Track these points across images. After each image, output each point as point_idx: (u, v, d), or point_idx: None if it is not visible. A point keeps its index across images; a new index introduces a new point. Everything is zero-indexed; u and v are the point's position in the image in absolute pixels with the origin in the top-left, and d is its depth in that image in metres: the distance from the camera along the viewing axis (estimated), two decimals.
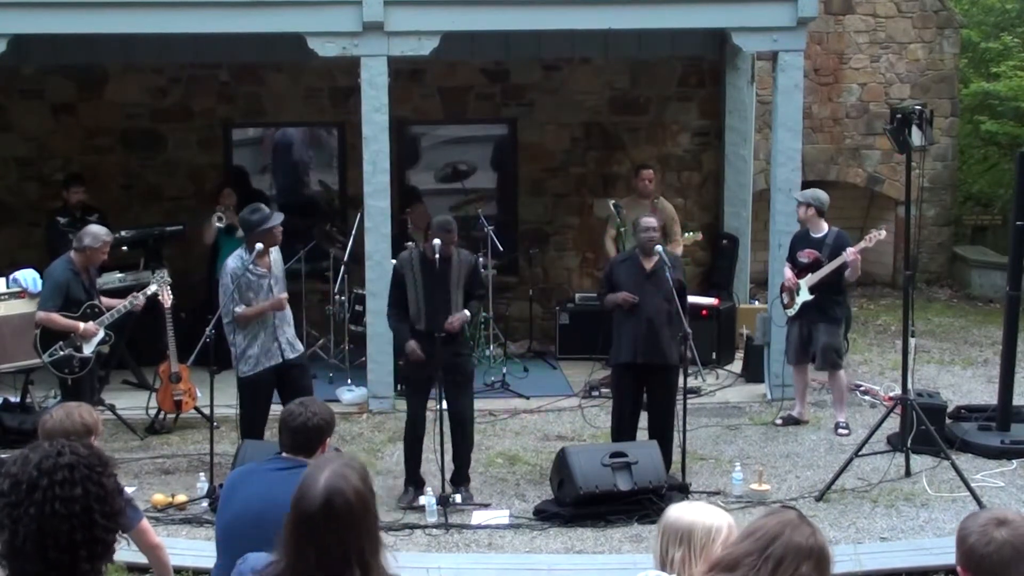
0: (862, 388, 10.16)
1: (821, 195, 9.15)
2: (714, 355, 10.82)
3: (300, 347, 7.93)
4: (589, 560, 6.74)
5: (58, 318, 7.90)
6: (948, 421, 8.81)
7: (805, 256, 9.00)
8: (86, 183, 10.53)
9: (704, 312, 10.71)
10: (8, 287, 8.74)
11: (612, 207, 10.64)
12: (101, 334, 8.12)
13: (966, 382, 10.54)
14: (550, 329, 11.73)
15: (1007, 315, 8.85)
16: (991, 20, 16.90)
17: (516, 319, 12.04)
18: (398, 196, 10.98)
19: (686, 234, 10.86)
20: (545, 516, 7.30)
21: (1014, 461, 8.26)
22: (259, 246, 7.46)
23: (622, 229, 10.34)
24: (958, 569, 2.80)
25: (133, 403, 9.39)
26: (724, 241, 12.05)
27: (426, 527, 7.13)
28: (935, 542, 6.82)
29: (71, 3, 9.18)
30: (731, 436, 9.02)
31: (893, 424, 8.43)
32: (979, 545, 2.71)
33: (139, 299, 8.32)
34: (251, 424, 7.64)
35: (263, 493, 4.07)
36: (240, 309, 7.48)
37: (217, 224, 10.43)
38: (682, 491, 7.35)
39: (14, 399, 8.94)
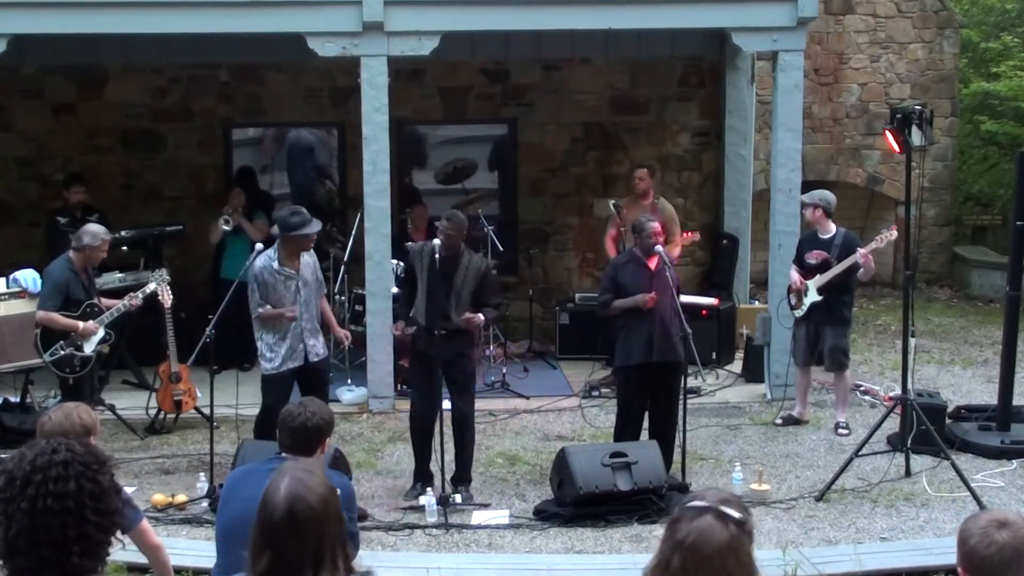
0: (862, 388, 10.16)
1: (828, 196, 9.17)
2: (714, 355, 10.82)
3: (325, 352, 7.91)
4: (589, 560, 6.73)
5: (58, 317, 7.90)
6: (948, 421, 8.81)
7: (814, 258, 9.00)
8: (86, 183, 10.53)
9: (704, 312, 10.71)
10: (8, 287, 8.73)
11: (612, 207, 10.64)
12: (101, 333, 8.12)
13: (966, 382, 10.55)
14: (550, 329, 11.73)
15: (1007, 315, 8.85)
16: (991, 20, 16.91)
17: (516, 319, 12.03)
18: (398, 196, 10.99)
19: (684, 233, 10.85)
20: (545, 516, 7.30)
21: (1014, 461, 8.26)
22: (259, 246, 7.51)
23: (622, 229, 10.34)
24: (959, 570, 2.80)
25: (133, 403, 9.39)
26: (724, 241, 12.05)
27: (426, 527, 7.13)
28: (935, 542, 6.81)
29: (71, 3, 9.19)
30: (731, 436, 9.02)
31: (893, 424, 8.43)
32: (980, 547, 2.71)
33: (137, 298, 8.32)
34: (267, 419, 7.60)
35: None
36: (262, 310, 7.48)
37: (224, 227, 10.43)
38: (682, 491, 7.34)
39: (14, 399, 8.94)
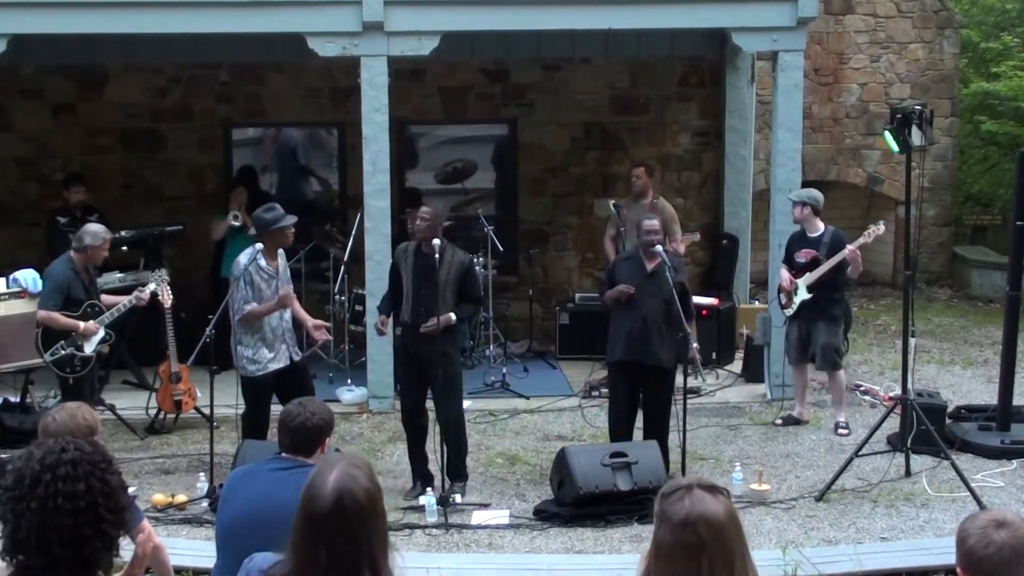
0: (862, 388, 10.16)
1: (816, 194, 9.17)
2: (714, 355, 10.82)
3: (300, 350, 7.94)
4: (589, 560, 6.73)
5: (59, 317, 7.91)
6: (948, 421, 8.81)
7: (803, 256, 9.01)
8: (86, 183, 10.53)
9: (704, 312, 10.71)
10: (8, 287, 8.73)
11: (612, 207, 10.64)
12: (102, 333, 8.12)
13: (966, 382, 10.55)
14: (550, 329, 11.73)
15: (1007, 315, 8.85)
16: (991, 20, 16.90)
17: (516, 319, 12.04)
18: (398, 196, 10.99)
19: (685, 235, 10.86)
20: (545, 516, 7.30)
21: (1014, 461, 8.26)
22: (259, 245, 7.50)
23: (622, 229, 10.34)
24: (958, 570, 2.80)
25: (133, 403, 9.39)
26: (724, 241, 12.05)
27: (426, 527, 7.13)
28: (935, 542, 6.81)
29: (71, 3, 9.19)
30: (731, 436, 9.02)
31: (893, 424, 8.43)
32: (979, 547, 2.71)
33: (144, 293, 8.33)
34: (254, 424, 7.63)
35: (263, 493, 4.08)
36: (249, 307, 7.47)
37: (233, 223, 10.45)
38: None
39: (14, 399, 8.95)
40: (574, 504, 7.20)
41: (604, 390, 9.77)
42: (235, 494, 4.21)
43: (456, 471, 7.72)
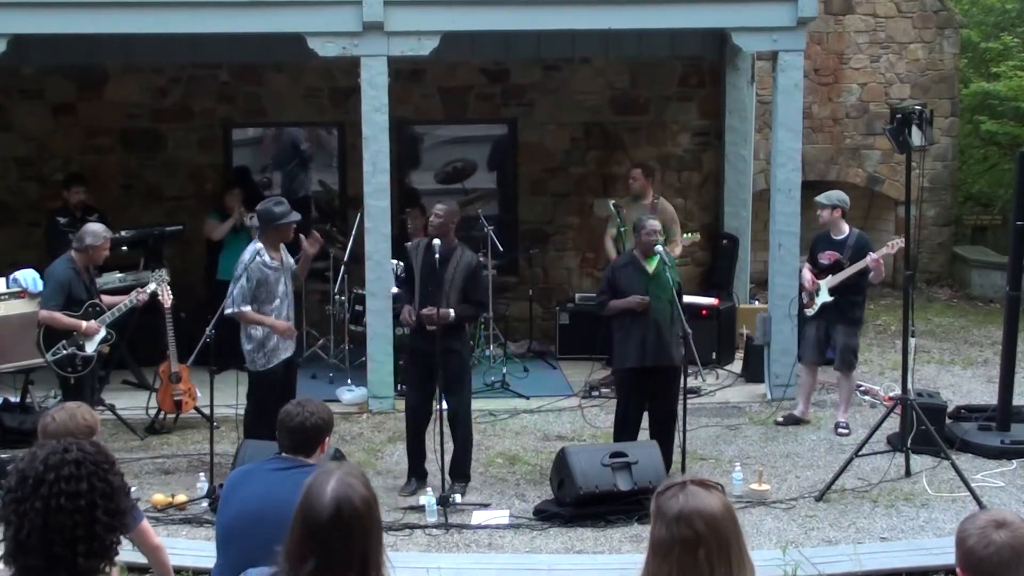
0: (862, 388, 10.16)
1: (845, 197, 9.27)
2: (714, 355, 10.82)
3: None
4: (589, 560, 6.73)
5: (61, 317, 7.91)
6: (948, 421, 8.81)
7: (826, 258, 9.01)
8: (86, 183, 10.53)
9: (704, 312, 10.72)
10: (8, 287, 8.74)
11: (612, 207, 10.63)
12: (103, 333, 8.13)
13: (966, 382, 10.55)
14: (550, 329, 11.73)
15: (1007, 315, 8.85)
16: (991, 20, 16.90)
17: (516, 319, 12.04)
18: (398, 196, 10.99)
19: (685, 235, 10.86)
20: (545, 516, 7.30)
21: (1014, 461, 8.26)
22: (258, 244, 7.51)
23: (622, 229, 10.34)
24: (957, 570, 2.80)
25: (133, 403, 9.39)
26: (724, 241, 12.05)
27: (426, 527, 7.13)
28: (935, 542, 6.81)
29: (71, 3, 9.19)
30: (731, 436, 9.02)
31: (893, 424, 8.43)
32: (978, 547, 2.71)
33: (144, 293, 8.34)
34: (260, 419, 7.60)
35: (263, 493, 4.08)
36: (247, 309, 7.45)
37: (249, 223, 10.44)
38: None
39: (14, 399, 8.95)
40: (574, 504, 7.20)
41: (604, 390, 9.78)
42: (235, 494, 4.21)
43: (462, 469, 7.74)
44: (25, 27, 9.18)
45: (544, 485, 7.73)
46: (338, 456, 6.88)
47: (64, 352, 7.94)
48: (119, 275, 9.86)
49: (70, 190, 10.32)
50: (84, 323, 7.98)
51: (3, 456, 7.35)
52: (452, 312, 7.52)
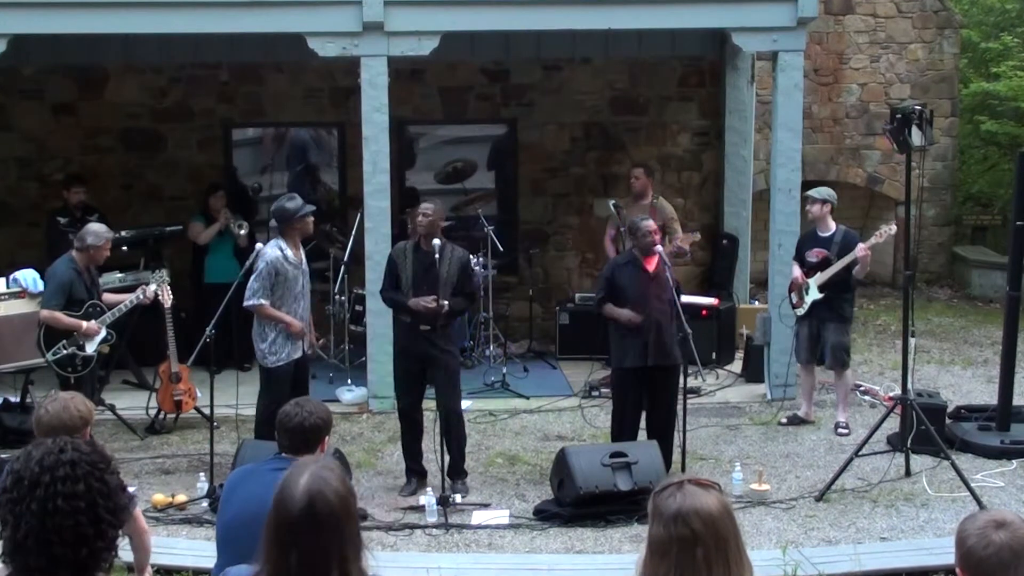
0: (862, 388, 10.16)
1: (833, 192, 9.22)
2: (714, 355, 10.82)
3: None
4: (589, 560, 6.73)
5: (62, 316, 7.91)
6: (948, 421, 8.81)
7: (814, 255, 9.01)
8: (86, 183, 10.53)
9: (704, 312, 10.72)
10: (8, 287, 8.73)
11: (612, 207, 10.64)
12: (103, 333, 8.13)
13: (966, 382, 10.55)
14: (550, 329, 11.73)
15: (1007, 315, 8.85)
16: (991, 20, 16.91)
17: (516, 319, 12.04)
18: (398, 196, 10.99)
19: (684, 234, 10.84)
20: (545, 516, 7.30)
21: (1014, 461, 8.26)
22: (259, 245, 7.51)
23: (622, 229, 10.34)
24: (957, 570, 2.80)
25: (133, 403, 9.39)
26: (724, 241, 12.05)
27: (426, 527, 7.13)
28: (935, 542, 6.81)
29: (71, 3, 9.18)
30: (731, 436, 9.02)
31: (893, 424, 8.43)
32: (978, 547, 2.71)
33: (147, 291, 8.34)
34: (273, 416, 7.59)
35: (263, 493, 4.03)
36: (266, 302, 7.45)
37: (240, 231, 10.44)
38: None
39: (14, 399, 8.94)
40: (574, 504, 7.20)
41: (604, 390, 9.77)
42: (235, 494, 4.21)
43: (458, 467, 7.76)
44: (25, 27, 9.18)
45: (544, 485, 7.73)
46: (338, 456, 6.89)
47: (64, 352, 7.95)
48: (119, 275, 9.86)
49: (70, 190, 10.32)
50: (84, 323, 7.98)
51: (3, 456, 7.35)
52: (446, 303, 7.55)
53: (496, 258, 11.07)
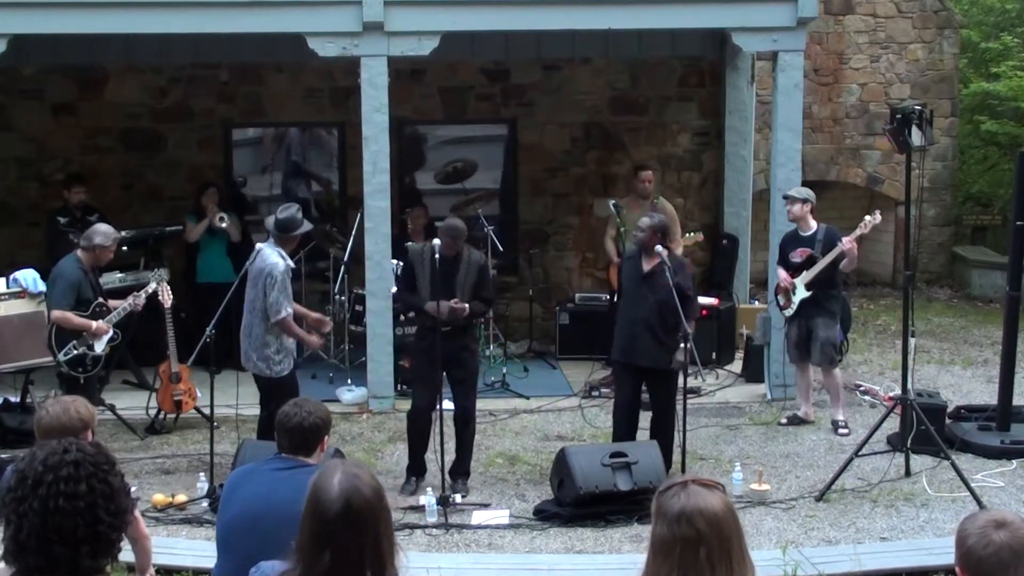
0: (862, 388, 10.16)
1: (812, 192, 9.23)
2: (714, 355, 10.82)
3: None
4: (589, 560, 6.74)
5: (73, 317, 7.93)
6: (948, 421, 8.81)
7: (798, 255, 9.02)
8: (86, 183, 10.53)
9: (704, 312, 10.70)
10: (8, 287, 8.73)
11: (612, 207, 10.64)
12: (111, 332, 8.16)
13: (966, 382, 10.55)
14: (550, 329, 11.73)
15: (1007, 315, 8.85)
16: (991, 20, 16.90)
17: (516, 319, 12.04)
18: (398, 196, 10.99)
19: (687, 235, 10.86)
20: (545, 516, 7.30)
21: (1014, 461, 8.26)
22: (259, 246, 7.51)
23: (622, 229, 10.34)
24: (956, 570, 2.81)
25: (133, 403, 9.39)
26: (724, 241, 12.05)
27: (426, 527, 7.13)
28: (935, 542, 6.81)
29: (71, 3, 9.18)
30: (731, 436, 9.02)
31: (893, 424, 8.43)
32: (978, 547, 2.72)
33: (140, 298, 8.35)
34: None
35: (263, 493, 4.08)
36: (287, 311, 7.46)
37: (220, 224, 10.43)
38: None
39: (14, 399, 8.94)
40: (574, 504, 7.20)
41: (604, 390, 9.78)
42: (236, 494, 4.21)
43: (466, 467, 7.79)
44: (25, 27, 9.18)
45: (544, 485, 7.73)
46: (338, 456, 6.89)
47: (75, 352, 7.97)
48: (119, 275, 9.87)
49: (71, 190, 10.32)
50: (94, 323, 8.01)
51: (3, 456, 7.35)
52: (467, 307, 7.60)
53: (496, 258, 11.07)
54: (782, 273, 9.10)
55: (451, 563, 6.60)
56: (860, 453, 7.87)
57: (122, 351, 9.67)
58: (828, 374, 9.07)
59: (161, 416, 9.11)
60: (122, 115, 11.80)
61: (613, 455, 7.33)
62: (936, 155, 14.09)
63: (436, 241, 7.57)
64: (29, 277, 8.75)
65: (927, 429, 7.81)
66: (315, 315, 8.08)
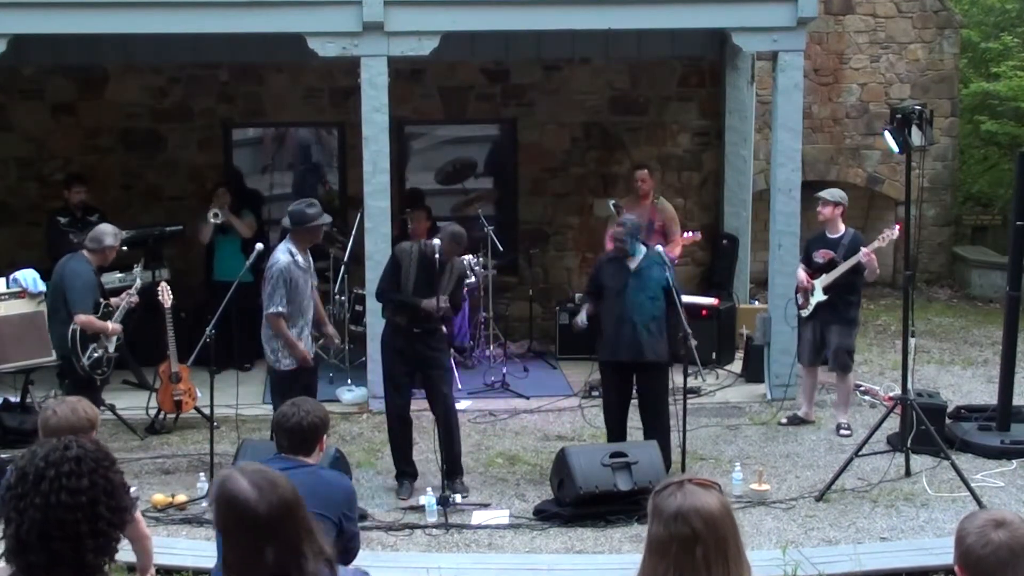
0: (862, 388, 10.16)
1: (845, 195, 9.25)
2: (714, 355, 10.81)
3: None
4: (589, 560, 6.74)
5: (95, 320, 7.97)
6: (948, 421, 8.81)
7: (820, 257, 9.01)
8: (86, 183, 10.53)
9: (704, 312, 10.71)
10: (8, 287, 8.73)
11: (612, 207, 10.64)
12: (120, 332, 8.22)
13: (966, 382, 10.55)
14: (550, 329, 11.73)
15: (1007, 315, 8.85)
16: (991, 20, 16.90)
17: (516, 319, 12.04)
18: (398, 196, 10.99)
19: (686, 234, 10.85)
20: (545, 516, 7.31)
21: (1014, 461, 8.27)
22: (259, 246, 7.52)
23: None
24: (956, 569, 2.81)
25: (133, 403, 9.39)
26: (724, 241, 12.05)
27: (426, 527, 7.14)
28: (935, 542, 6.82)
29: (71, 3, 9.19)
30: (731, 436, 9.02)
31: (893, 424, 8.43)
32: (977, 546, 2.72)
33: (133, 295, 8.37)
34: None
35: None
36: (285, 311, 7.44)
37: (213, 220, 10.43)
38: None
39: (14, 399, 8.94)
40: (574, 504, 7.21)
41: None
42: None
43: (458, 464, 7.79)
44: (25, 27, 9.18)
45: (544, 485, 7.73)
46: (338, 456, 6.89)
47: (96, 355, 8.00)
48: (119, 275, 9.85)
49: (71, 190, 10.32)
50: (110, 324, 8.05)
51: (3, 456, 7.36)
52: (446, 307, 7.72)
53: (496, 258, 11.08)
54: (801, 273, 9.09)
55: (451, 563, 6.60)
56: (860, 453, 7.87)
57: (122, 351, 9.68)
58: (841, 379, 9.07)
59: (161, 416, 9.11)
60: (122, 115, 11.80)
61: (613, 455, 7.34)
62: (936, 155, 14.09)
63: (436, 242, 7.59)
64: (29, 277, 8.75)
65: (927, 429, 7.81)
66: (329, 329, 8.14)
